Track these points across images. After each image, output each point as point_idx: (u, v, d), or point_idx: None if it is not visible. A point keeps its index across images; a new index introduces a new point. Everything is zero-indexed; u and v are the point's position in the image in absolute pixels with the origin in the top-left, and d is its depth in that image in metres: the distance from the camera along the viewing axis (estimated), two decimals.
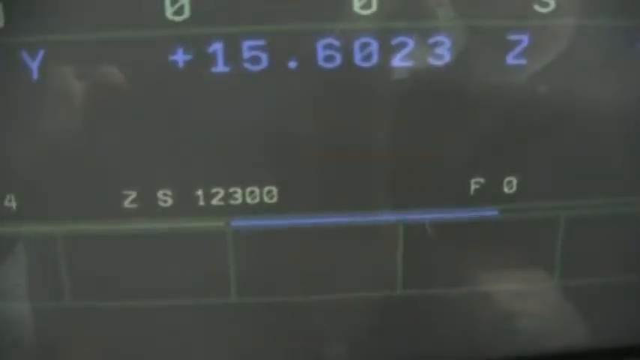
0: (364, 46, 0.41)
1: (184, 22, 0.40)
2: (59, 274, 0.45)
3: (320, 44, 0.41)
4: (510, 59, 0.42)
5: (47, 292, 0.46)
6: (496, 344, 0.49)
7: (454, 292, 0.47)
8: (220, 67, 0.41)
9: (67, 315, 0.46)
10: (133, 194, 0.43)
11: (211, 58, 0.41)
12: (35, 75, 0.41)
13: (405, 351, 0.47)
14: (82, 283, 0.45)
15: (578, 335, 0.49)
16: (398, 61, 0.41)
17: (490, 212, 0.45)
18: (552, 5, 0.41)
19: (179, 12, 0.40)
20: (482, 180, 0.44)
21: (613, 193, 0.46)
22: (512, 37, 0.41)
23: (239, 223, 0.44)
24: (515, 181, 0.44)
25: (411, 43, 0.41)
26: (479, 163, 0.44)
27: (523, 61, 0.42)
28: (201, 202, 0.43)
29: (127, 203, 0.43)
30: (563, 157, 0.45)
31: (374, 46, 0.41)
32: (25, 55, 0.41)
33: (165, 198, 0.43)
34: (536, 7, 0.41)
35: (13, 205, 0.43)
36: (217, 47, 0.41)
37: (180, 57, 0.41)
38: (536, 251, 0.47)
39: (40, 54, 0.41)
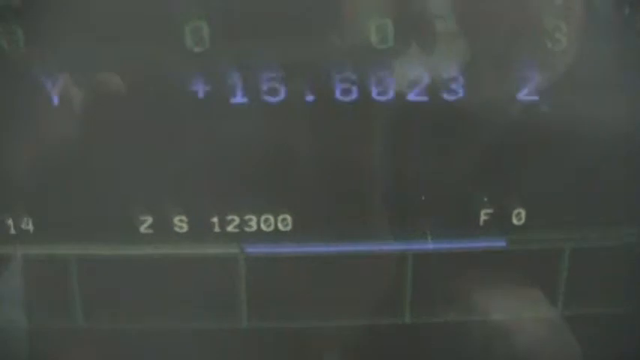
0: (381, 80, 0.42)
1: (204, 53, 0.41)
2: (73, 296, 0.45)
3: (337, 77, 0.42)
4: (522, 95, 0.43)
5: (61, 314, 0.46)
6: None
7: (460, 320, 0.48)
8: (239, 98, 0.42)
9: (79, 337, 0.47)
10: (150, 220, 0.44)
11: (230, 89, 0.42)
12: (55, 100, 0.42)
13: None
14: (95, 306, 0.46)
15: None
16: (413, 96, 0.42)
17: (498, 243, 0.46)
18: (563, 43, 0.42)
19: (199, 43, 0.41)
20: (491, 211, 0.45)
21: (617, 225, 0.47)
22: (524, 74, 0.42)
23: (253, 249, 0.45)
24: (524, 213, 0.45)
25: (426, 78, 0.42)
26: (489, 194, 0.45)
27: (535, 97, 0.43)
28: (217, 229, 0.44)
29: (143, 228, 0.44)
30: (571, 190, 0.45)
31: (390, 80, 0.42)
32: (45, 81, 0.42)
33: (181, 224, 0.44)
34: (548, 45, 0.42)
35: (30, 227, 0.44)
36: (236, 78, 0.41)
37: (200, 87, 0.42)
38: (541, 281, 0.48)
39: (60, 80, 0.42)
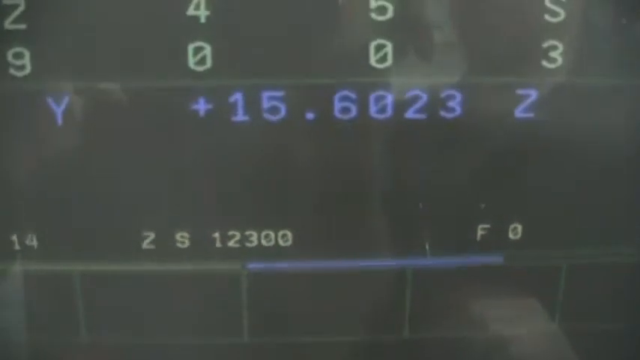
0: (379, 98, 0.43)
1: (206, 72, 0.42)
2: (76, 311, 0.46)
3: (337, 96, 0.42)
4: (519, 113, 0.43)
5: (64, 328, 0.47)
6: None
7: (458, 335, 0.49)
8: (240, 117, 0.42)
9: (82, 352, 0.47)
10: (152, 235, 0.45)
11: (232, 108, 0.42)
12: (60, 120, 0.43)
13: None
14: (97, 321, 0.46)
15: None
16: (411, 114, 0.43)
17: (495, 259, 0.46)
18: (559, 61, 0.43)
19: (201, 62, 0.42)
20: (488, 226, 0.46)
21: (614, 243, 0.47)
22: (521, 92, 0.43)
23: (254, 265, 0.45)
24: (520, 228, 0.46)
25: (424, 96, 0.43)
26: (486, 209, 0.45)
27: (531, 115, 0.43)
28: (218, 245, 0.45)
29: (145, 244, 0.45)
30: (567, 206, 0.46)
31: (389, 99, 0.43)
32: (50, 101, 0.42)
33: (182, 240, 0.45)
34: (544, 63, 0.43)
35: (35, 244, 0.45)
36: (238, 97, 0.42)
37: (201, 106, 0.42)
38: (538, 297, 0.48)
39: (65, 99, 0.42)
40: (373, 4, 0.41)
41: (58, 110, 0.42)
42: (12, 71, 0.42)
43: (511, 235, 0.46)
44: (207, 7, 0.41)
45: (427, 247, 0.46)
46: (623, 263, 0.47)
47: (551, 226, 0.46)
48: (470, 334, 0.49)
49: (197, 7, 0.41)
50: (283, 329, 0.47)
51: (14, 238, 0.45)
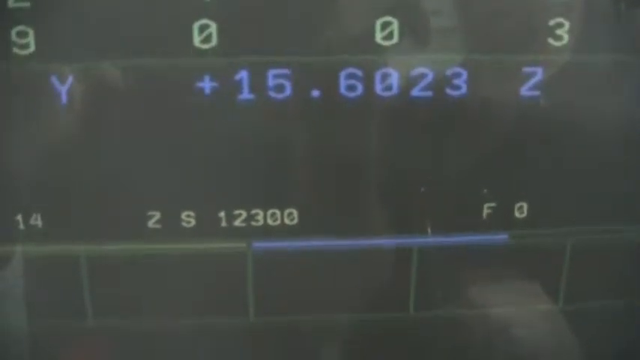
0: (385, 76, 0.42)
1: (211, 50, 0.41)
2: (82, 293, 0.46)
3: (342, 74, 0.42)
4: (525, 91, 0.43)
5: (69, 311, 0.47)
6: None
7: (462, 313, 0.49)
8: (246, 95, 0.42)
9: (87, 332, 0.47)
10: (158, 215, 0.44)
11: (237, 86, 0.42)
12: (64, 99, 0.42)
13: None
14: (104, 302, 0.46)
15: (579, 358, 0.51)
16: (417, 92, 0.43)
17: (500, 237, 0.47)
18: (566, 39, 0.43)
19: (207, 40, 0.41)
20: (494, 205, 0.46)
21: (619, 221, 0.47)
22: (527, 70, 0.43)
23: (260, 244, 0.45)
24: (526, 207, 0.46)
25: (430, 74, 0.42)
26: (492, 188, 0.45)
27: (537, 93, 0.43)
28: (224, 224, 0.45)
29: (151, 224, 0.45)
30: (573, 184, 0.46)
31: (394, 76, 0.42)
32: (54, 80, 0.42)
33: (188, 219, 0.45)
34: (550, 41, 0.43)
35: (39, 223, 0.45)
36: (243, 75, 0.42)
37: (206, 84, 0.42)
38: (542, 276, 0.48)
39: (70, 79, 0.42)
40: None
41: (62, 89, 0.42)
42: (16, 50, 0.41)
43: (517, 214, 0.46)
44: None
45: (429, 226, 0.46)
46: (627, 241, 0.47)
47: (556, 205, 0.46)
48: (474, 313, 0.49)
49: None
50: (289, 308, 0.47)
51: (19, 217, 0.44)
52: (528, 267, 0.48)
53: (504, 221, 0.46)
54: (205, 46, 0.41)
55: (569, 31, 0.42)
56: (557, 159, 0.45)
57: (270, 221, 0.45)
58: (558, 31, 0.42)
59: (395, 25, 0.42)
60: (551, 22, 0.42)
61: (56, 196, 0.45)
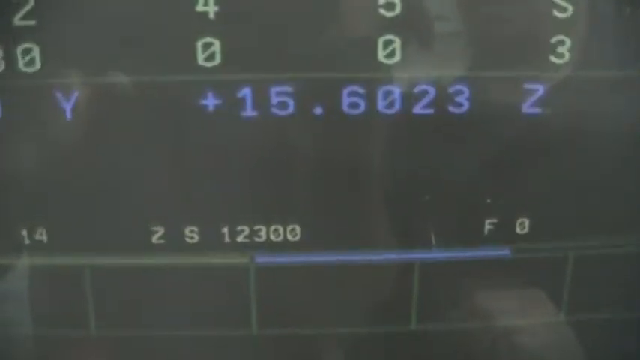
0: (388, 93, 0.43)
1: (215, 67, 0.42)
2: (86, 305, 0.47)
3: (345, 91, 0.43)
4: (526, 107, 0.44)
5: (73, 323, 0.47)
6: None
7: (465, 327, 0.49)
8: (249, 112, 0.43)
9: (91, 345, 0.48)
10: (161, 230, 0.45)
11: (240, 103, 0.42)
12: (69, 115, 0.43)
13: None
14: (107, 315, 0.47)
15: None
16: (419, 109, 0.43)
17: (502, 252, 0.47)
18: (567, 56, 0.43)
19: (210, 58, 0.42)
20: (495, 221, 0.46)
21: (619, 233, 0.48)
22: (528, 87, 0.43)
23: (262, 259, 0.46)
24: (527, 222, 0.46)
25: (432, 91, 0.43)
26: (493, 204, 0.46)
27: (538, 109, 0.44)
28: (227, 239, 0.45)
29: (155, 239, 0.45)
30: (574, 199, 0.46)
31: (397, 93, 0.43)
32: (59, 96, 0.43)
33: (192, 234, 0.45)
34: (552, 58, 0.43)
35: (44, 238, 0.45)
36: (246, 92, 0.42)
37: (210, 101, 0.42)
38: (545, 288, 0.49)
39: (74, 95, 0.43)
40: (381, 1, 0.41)
41: (67, 106, 0.43)
42: (22, 67, 0.42)
43: (518, 230, 0.46)
44: (216, 3, 0.41)
45: (433, 240, 0.46)
46: (629, 253, 0.48)
47: (558, 220, 0.46)
48: (477, 326, 0.49)
49: (206, 3, 0.41)
50: (291, 322, 0.47)
51: (24, 232, 0.45)
52: (531, 280, 0.48)
53: (506, 236, 0.46)
54: (209, 64, 0.42)
55: (571, 49, 0.42)
56: (558, 174, 0.46)
57: (272, 237, 0.45)
58: (560, 49, 0.42)
59: (397, 43, 0.42)
60: (553, 40, 0.42)
61: (61, 211, 0.45)
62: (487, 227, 0.46)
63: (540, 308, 0.49)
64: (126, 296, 0.47)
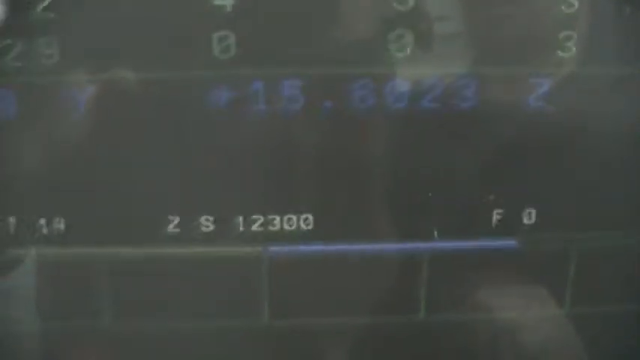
0: (396, 87, 0.44)
1: (229, 60, 0.43)
2: (101, 295, 0.48)
3: (355, 85, 0.44)
4: (532, 101, 0.45)
5: (88, 313, 0.49)
6: None
7: (471, 317, 0.50)
8: (261, 105, 0.44)
9: (105, 336, 0.49)
10: (177, 219, 0.46)
11: (253, 96, 0.44)
12: (84, 108, 0.44)
13: None
14: (122, 305, 0.48)
15: None
16: (427, 103, 0.44)
17: (509, 243, 0.48)
18: (573, 50, 0.44)
19: (225, 51, 0.43)
20: (503, 211, 0.47)
21: (623, 227, 0.49)
22: (534, 81, 0.44)
23: (276, 248, 0.47)
24: (534, 213, 0.47)
25: (440, 85, 0.44)
26: (501, 195, 0.47)
27: (545, 103, 0.45)
28: (241, 228, 0.46)
29: (170, 228, 0.46)
30: (578, 193, 0.47)
31: (405, 88, 0.44)
32: (75, 90, 0.44)
33: (207, 223, 0.46)
34: (558, 53, 0.44)
35: (62, 226, 0.46)
36: (259, 86, 0.44)
37: (223, 94, 0.44)
38: (550, 280, 0.50)
39: (91, 88, 0.44)
40: None
41: (84, 98, 0.44)
42: (41, 60, 0.43)
43: (525, 220, 0.47)
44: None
45: (435, 231, 0.47)
46: (633, 247, 0.49)
47: (564, 211, 0.47)
48: (482, 315, 0.50)
49: None
50: (303, 311, 0.49)
51: (42, 222, 0.46)
52: (536, 272, 0.49)
53: (512, 227, 0.47)
54: (224, 57, 0.43)
55: (576, 43, 0.43)
56: (564, 165, 0.47)
57: (286, 226, 0.46)
58: (566, 43, 0.43)
59: (407, 38, 0.43)
60: (560, 35, 0.43)
61: (78, 201, 0.46)
62: (495, 218, 0.47)
63: (545, 301, 0.50)
64: (141, 286, 0.48)
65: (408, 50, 0.43)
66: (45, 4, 0.42)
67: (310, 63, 0.43)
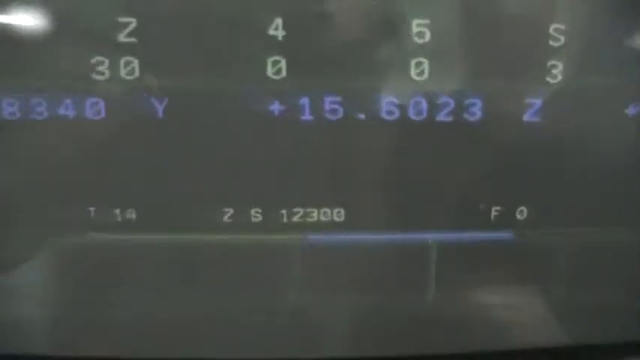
0: (417, 104, 0.54)
1: (281, 80, 0.53)
2: (164, 279, 0.57)
3: (383, 101, 0.53)
4: (527, 117, 0.55)
5: (150, 296, 0.57)
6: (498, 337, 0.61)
7: (473, 297, 0.60)
8: (307, 116, 0.53)
9: (164, 316, 0.57)
10: (231, 211, 0.55)
11: (300, 109, 0.53)
12: (161, 114, 0.53)
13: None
14: (182, 287, 0.57)
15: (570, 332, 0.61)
16: (441, 117, 0.54)
17: (506, 235, 0.58)
18: (559, 77, 0.54)
19: (278, 72, 0.52)
20: (500, 208, 0.57)
21: (610, 225, 0.58)
22: (528, 101, 0.54)
23: (313, 237, 0.56)
24: (525, 210, 0.57)
25: (452, 103, 0.54)
26: (499, 195, 0.56)
27: (537, 119, 0.55)
28: (285, 220, 0.56)
29: (226, 218, 0.55)
30: (566, 192, 0.57)
31: (424, 104, 0.54)
32: (153, 99, 0.53)
33: (256, 215, 0.55)
34: (547, 79, 0.54)
35: (134, 217, 0.55)
36: (305, 101, 0.53)
37: (276, 107, 0.53)
38: (540, 267, 0.59)
39: (166, 99, 0.53)
40: (414, 30, 0.52)
41: (160, 107, 0.53)
42: (123, 75, 0.52)
43: (518, 216, 0.57)
44: (284, 29, 0.51)
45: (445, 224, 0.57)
46: (623, 241, 0.59)
47: (552, 209, 0.57)
48: (480, 298, 0.60)
49: (276, 28, 0.51)
50: (334, 292, 0.58)
51: (117, 211, 0.55)
52: (532, 260, 0.59)
53: (509, 223, 0.57)
54: (276, 77, 0.53)
55: (563, 71, 0.54)
56: (553, 171, 0.56)
57: (322, 218, 0.56)
58: (554, 71, 0.54)
59: (426, 64, 0.53)
60: (548, 64, 0.53)
61: (149, 194, 0.55)
62: (493, 214, 0.57)
63: (539, 292, 0.60)
64: (199, 271, 0.57)
65: (426, 74, 0.53)
66: (129, 30, 0.51)
67: (347, 83, 0.53)
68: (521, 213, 0.57)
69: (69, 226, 0.55)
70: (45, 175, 0.54)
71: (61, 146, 0.54)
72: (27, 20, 0.51)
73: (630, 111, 0.55)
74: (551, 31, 0.53)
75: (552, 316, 0.60)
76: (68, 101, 0.52)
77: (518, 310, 0.59)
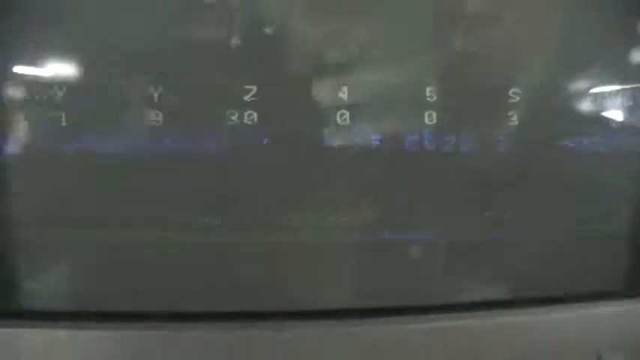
0: (428, 139, 0.75)
1: (346, 127, 0.75)
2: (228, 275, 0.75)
3: (407, 136, 0.76)
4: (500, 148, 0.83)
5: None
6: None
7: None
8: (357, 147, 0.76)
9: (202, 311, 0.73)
10: (297, 217, 0.76)
11: (357, 142, 0.78)
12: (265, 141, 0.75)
13: None
14: (243, 282, 0.74)
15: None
16: (446, 148, 0.75)
17: (497, 234, 0.80)
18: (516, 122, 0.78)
19: (344, 121, 0.76)
20: (492, 213, 0.78)
21: (586, 224, 0.78)
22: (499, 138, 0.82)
23: (350, 236, 0.78)
24: (511, 216, 0.78)
25: (453, 138, 0.82)
26: (491, 202, 0.78)
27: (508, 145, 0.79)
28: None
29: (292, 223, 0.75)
30: (541, 202, 0.76)
31: (433, 140, 0.76)
32: (260, 133, 0.74)
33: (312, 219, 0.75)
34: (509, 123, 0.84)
35: (214, 221, 0.74)
36: (356, 139, 0.77)
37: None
38: (534, 267, 0.78)
39: (270, 133, 0.75)
40: (428, 92, 0.81)
41: (264, 139, 0.75)
42: (245, 121, 0.75)
43: (507, 219, 0.78)
44: (350, 93, 0.75)
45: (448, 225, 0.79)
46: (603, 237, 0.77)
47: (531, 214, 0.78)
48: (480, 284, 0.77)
49: (343, 92, 0.76)
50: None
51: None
52: (516, 254, 0.78)
53: (498, 224, 0.78)
54: (342, 123, 0.77)
55: (518, 120, 0.79)
56: (531, 188, 0.77)
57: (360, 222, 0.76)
58: (512, 120, 0.81)
59: (434, 115, 0.79)
60: (509, 114, 0.79)
61: (226, 202, 0.74)
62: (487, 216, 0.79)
63: (530, 282, 0.77)
64: (263, 268, 0.74)
65: (435, 120, 0.82)
66: (252, 93, 0.82)
67: (385, 128, 0.81)
68: (508, 217, 0.79)
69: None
70: None
71: None
72: None
73: (569, 144, 0.78)
74: (510, 93, 0.77)
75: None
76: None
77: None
